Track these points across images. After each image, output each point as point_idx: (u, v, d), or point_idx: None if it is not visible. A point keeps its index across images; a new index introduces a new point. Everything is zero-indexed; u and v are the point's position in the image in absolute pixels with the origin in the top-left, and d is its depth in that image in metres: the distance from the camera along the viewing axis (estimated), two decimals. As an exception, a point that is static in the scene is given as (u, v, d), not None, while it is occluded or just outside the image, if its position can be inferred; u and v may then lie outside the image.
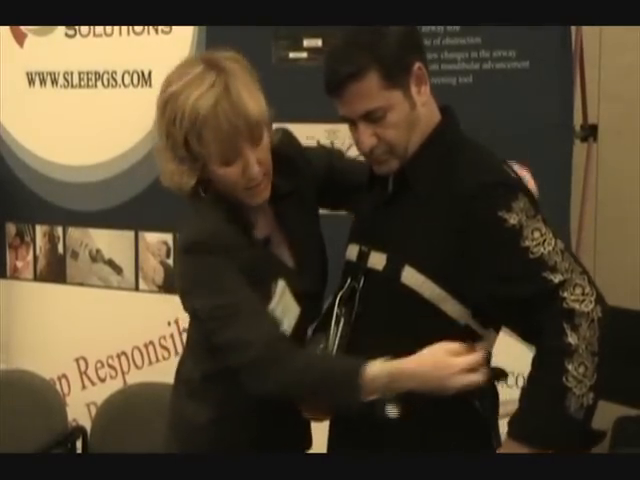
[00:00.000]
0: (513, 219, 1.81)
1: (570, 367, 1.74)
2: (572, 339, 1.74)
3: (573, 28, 3.03)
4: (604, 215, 3.75)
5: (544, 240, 1.81)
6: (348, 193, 2.21)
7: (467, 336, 1.87)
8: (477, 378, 1.81)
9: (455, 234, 1.83)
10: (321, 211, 2.24)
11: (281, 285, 2.05)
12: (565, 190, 3.06)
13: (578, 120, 3.24)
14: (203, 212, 2.05)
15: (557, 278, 1.78)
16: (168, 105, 2.00)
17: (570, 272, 1.79)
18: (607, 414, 3.51)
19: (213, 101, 1.94)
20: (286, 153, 2.12)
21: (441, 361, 1.82)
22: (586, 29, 3.14)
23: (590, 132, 3.33)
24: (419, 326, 1.88)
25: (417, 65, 1.88)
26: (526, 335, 1.88)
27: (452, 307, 1.86)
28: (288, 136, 2.20)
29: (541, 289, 1.78)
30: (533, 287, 1.79)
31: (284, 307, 2.03)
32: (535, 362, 1.83)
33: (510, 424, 1.82)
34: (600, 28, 3.48)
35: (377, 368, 1.82)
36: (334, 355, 1.94)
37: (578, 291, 1.77)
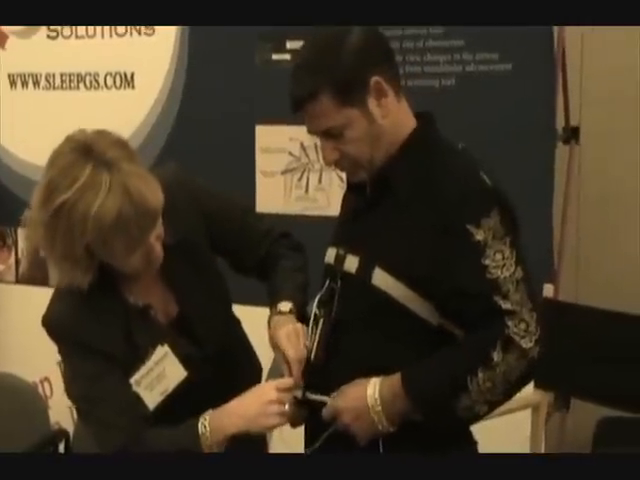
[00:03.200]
0: (480, 235, 1.81)
1: (480, 375, 1.77)
2: (497, 357, 1.77)
3: (555, 30, 3.04)
4: (586, 217, 3.77)
5: (504, 265, 1.82)
6: (229, 247, 2.20)
7: (441, 336, 1.89)
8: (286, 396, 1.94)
9: (426, 237, 1.85)
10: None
11: (161, 351, 2.05)
12: (547, 192, 3.07)
13: (560, 122, 3.26)
14: (61, 294, 2.03)
15: (506, 305, 1.80)
16: (61, 216, 1.85)
17: (520, 305, 1.80)
18: (590, 415, 3.53)
19: (117, 209, 1.83)
20: (171, 197, 1.97)
21: (260, 388, 2.00)
22: (568, 32, 3.16)
23: (572, 134, 3.36)
24: (393, 327, 1.89)
25: (374, 80, 1.87)
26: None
27: (421, 308, 1.87)
28: (177, 175, 2.12)
29: (488, 310, 1.80)
30: (480, 306, 1.81)
31: (161, 373, 2.04)
32: (458, 347, 1.86)
33: (406, 369, 1.85)
34: (582, 30, 3.50)
35: (206, 428, 1.96)
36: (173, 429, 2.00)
37: (522, 326, 1.79)
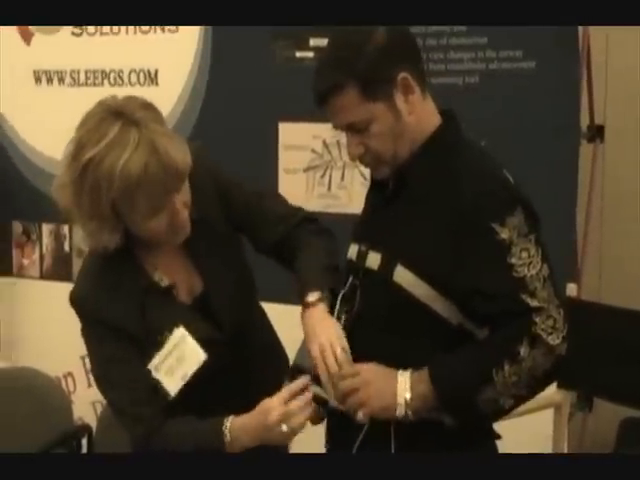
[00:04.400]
0: (505, 233, 1.81)
1: (506, 368, 1.77)
2: (523, 352, 1.77)
3: (580, 28, 3.02)
4: (610, 215, 3.75)
5: (530, 262, 1.81)
6: (246, 226, 2.20)
7: (461, 336, 1.88)
8: (298, 405, 1.90)
9: (448, 235, 1.84)
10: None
11: (178, 334, 2.03)
12: (571, 190, 3.06)
13: (585, 120, 3.24)
14: (86, 269, 2.07)
15: (533, 303, 1.79)
16: (88, 172, 1.87)
17: (547, 302, 1.80)
18: (613, 416, 3.51)
19: (143, 164, 1.85)
20: (194, 172, 1.99)
21: (265, 409, 1.93)
22: (593, 29, 3.14)
23: (597, 132, 3.33)
24: (412, 325, 1.89)
25: (402, 75, 1.87)
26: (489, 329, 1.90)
27: (443, 307, 1.87)
28: (201, 155, 2.10)
29: (514, 308, 1.79)
30: (508, 305, 1.80)
31: (180, 357, 2.02)
32: (484, 342, 1.86)
33: (433, 360, 1.85)
34: (606, 28, 3.48)
35: (230, 433, 1.96)
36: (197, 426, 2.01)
37: (550, 322, 1.78)
